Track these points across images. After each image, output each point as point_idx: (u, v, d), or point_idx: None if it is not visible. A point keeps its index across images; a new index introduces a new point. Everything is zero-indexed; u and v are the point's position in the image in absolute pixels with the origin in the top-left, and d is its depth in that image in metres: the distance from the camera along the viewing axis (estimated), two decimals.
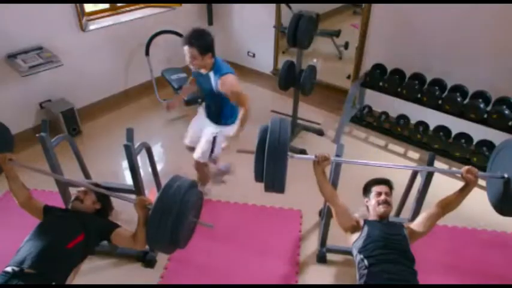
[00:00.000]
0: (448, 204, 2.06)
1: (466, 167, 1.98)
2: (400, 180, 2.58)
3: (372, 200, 2.21)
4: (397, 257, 1.95)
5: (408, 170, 2.46)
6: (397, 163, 3.58)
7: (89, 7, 4.19)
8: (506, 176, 1.95)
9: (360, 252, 2.03)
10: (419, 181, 2.36)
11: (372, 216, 2.21)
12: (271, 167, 1.84)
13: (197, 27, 2.50)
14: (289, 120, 2.00)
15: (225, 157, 3.59)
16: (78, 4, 3.75)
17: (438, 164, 3.51)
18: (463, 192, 2.03)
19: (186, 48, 2.46)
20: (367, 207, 2.28)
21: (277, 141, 1.84)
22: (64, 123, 3.78)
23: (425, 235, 2.11)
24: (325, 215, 2.55)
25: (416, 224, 2.13)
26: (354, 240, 2.12)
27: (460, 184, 2.07)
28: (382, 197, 2.18)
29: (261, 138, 1.94)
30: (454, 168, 1.89)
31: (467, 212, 2.96)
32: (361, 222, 2.16)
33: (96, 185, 2.36)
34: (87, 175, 2.84)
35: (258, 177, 1.97)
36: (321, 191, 2.16)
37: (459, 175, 2.04)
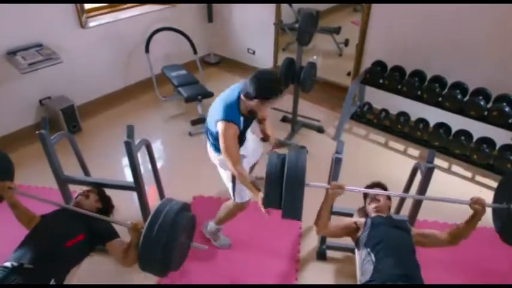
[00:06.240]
0: (458, 236, 2.07)
1: (475, 198, 1.98)
2: (400, 177, 2.58)
3: (367, 204, 2.34)
4: (401, 248, 1.98)
5: (408, 166, 2.46)
6: (396, 160, 3.61)
7: (88, 4, 4.18)
8: None
9: (365, 245, 2.04)
10: (419, 178, 2.35)
11: (372, 214, 2.26)
12: (289, 198, 1.87)
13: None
14: (305, 151, 2.02)
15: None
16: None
17: (438, 160, 3.51)
18: (471, 223, 2.03)
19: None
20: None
21: (295, 174, 1.86)
22: (64, 120, 3.77)
23: (424, 246, 2.13)
24: None
25: (424, 232, 2.16)
26: (359, 235, 2.15)
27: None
28: (372, 196, 2.30)
29: (272, 169, 1.94)
30: (461, 198, 1.90)
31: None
32: (362, 220, 2.21)
33: (98, 183, 2.39)
34: (86, 172, 2.84)
35: (269, 204, 1.99)
36: (317, 216, 2.17)
37: (465, 193, 2.08)
